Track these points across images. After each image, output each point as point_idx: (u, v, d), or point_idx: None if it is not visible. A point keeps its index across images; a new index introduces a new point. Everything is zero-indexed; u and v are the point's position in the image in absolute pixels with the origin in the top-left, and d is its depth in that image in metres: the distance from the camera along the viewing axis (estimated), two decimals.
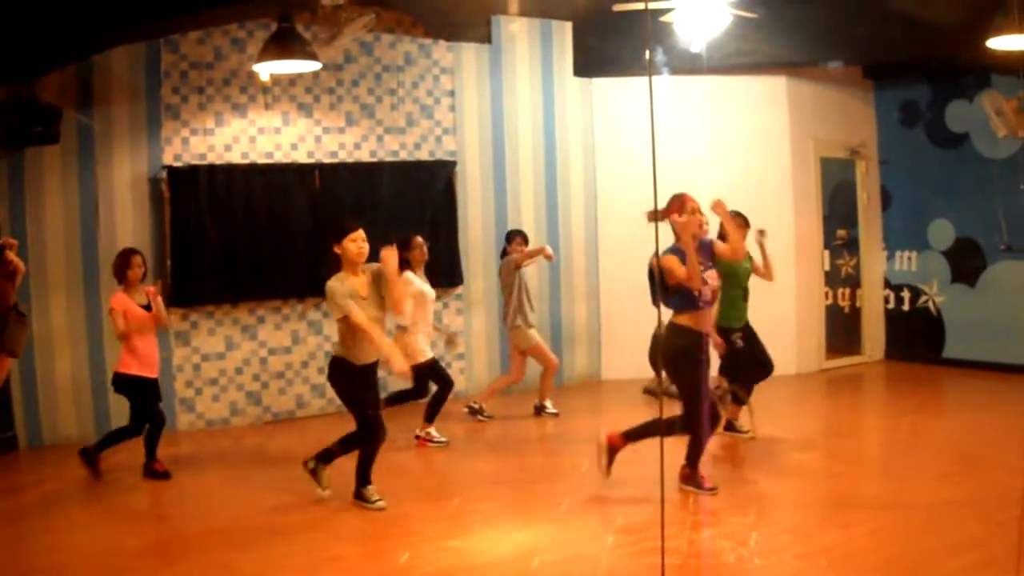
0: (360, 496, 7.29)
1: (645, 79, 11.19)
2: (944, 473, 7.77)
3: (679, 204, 7.14)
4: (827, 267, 13.23)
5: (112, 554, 6.48)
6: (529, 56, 12.13)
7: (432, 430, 9.33)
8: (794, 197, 12.45)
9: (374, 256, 7.13)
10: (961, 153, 12.39)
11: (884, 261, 13.49)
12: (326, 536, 6.68)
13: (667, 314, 7.35)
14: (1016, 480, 6.53)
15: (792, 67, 12.31)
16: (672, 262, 7.09)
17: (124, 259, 8.32)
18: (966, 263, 12.43)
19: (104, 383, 9.22)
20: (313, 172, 10.79)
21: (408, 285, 8.84)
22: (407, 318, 8.95)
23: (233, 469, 8.77)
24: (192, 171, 10.23)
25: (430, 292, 9.32)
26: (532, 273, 10.79)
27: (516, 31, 12.04)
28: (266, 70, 9.49)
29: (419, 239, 9.22)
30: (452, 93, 11.68)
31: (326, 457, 7.45)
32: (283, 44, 8.43)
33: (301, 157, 10.81)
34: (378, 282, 7.16)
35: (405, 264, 8.94)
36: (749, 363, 8.86)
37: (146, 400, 8.29)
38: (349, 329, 7.10)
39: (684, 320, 7.24)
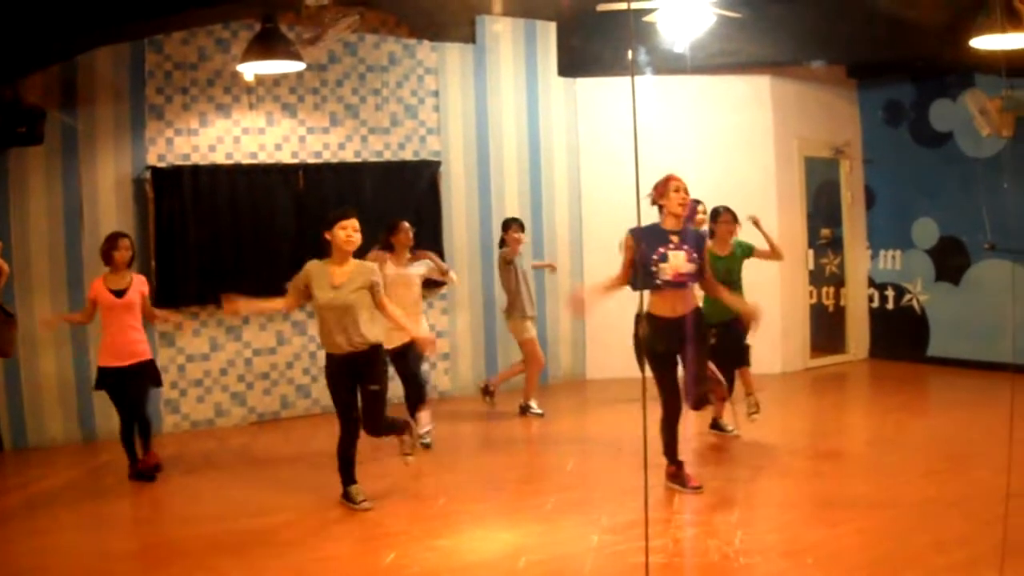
0: (346, 496, 7.29)
1: (629, 79, 11.20)
2: (929, 471, 7.79)
3: (663, 185, 7.17)
4: (811, 266, 13.24)
5: (98, 557, 6.47)
6: (513, 56, 12.13)
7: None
8: (778, 196, 12.46)
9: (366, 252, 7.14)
10: (945, 152, 12.43)
11: (868, 260, 13.53)
12: (312, 536, 6.67)
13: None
14: (1001, 478, 6.57)
15: (776, 67, 12.33)
16: (627, 239, 7.15)
17: (111, 241, 8.24)
18: (950, 262, 12.48)
19: (89, 384, 9.19)
20: (297, 172, 10.77)
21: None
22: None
23: (219, 470, 8.74)
24: (176, 171, 10.20)
25: (415, 272, 9.22)
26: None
27: (500, 31, 12.04)
28: (250, 70, 9.47)
29: (406, 224, 9.09)
30: (436, 93, 11.68)
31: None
32: (267, 44, 8.41)
33: (285, 157, 10.79)
34: (374, 282, 7.15)
35: (390, 247, 8.94)
36: (725, 359, 8.78)
37: (118, 392, 8.20)
38: (317, 317, 7.22)
39: (650, 306, 7.23)
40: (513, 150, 12.16)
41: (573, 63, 12.38)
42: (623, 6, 9.10)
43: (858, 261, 13.51)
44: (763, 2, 10.61)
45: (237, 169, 10.51)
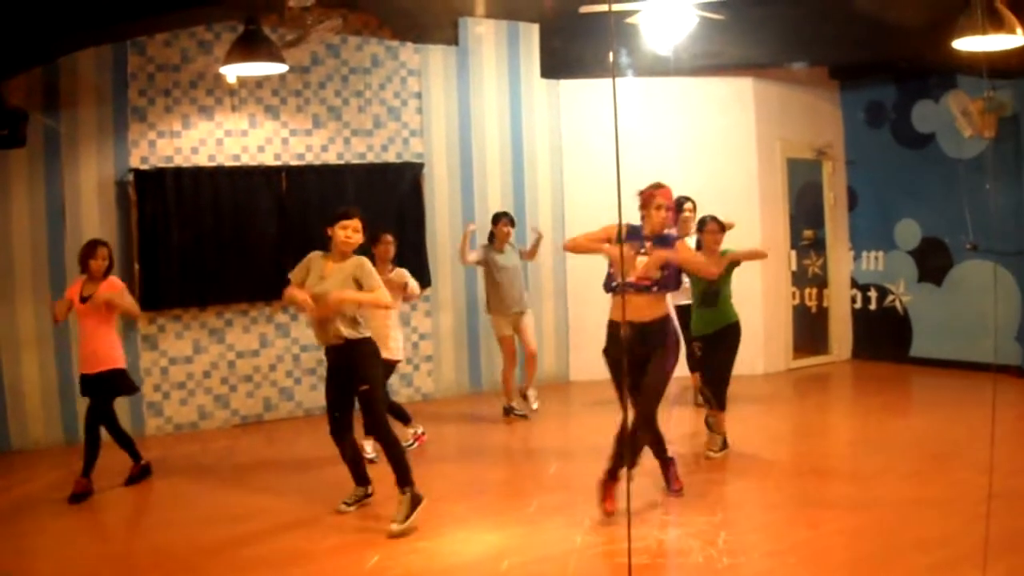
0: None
1: (611, 81, 11.21)
2: (912, 471, 7.82)
3: (648, 198, 6.98)
4: (794, 267, 13.28)
5: (82, 560, 6.45)
6: (496, 58, 12.14)
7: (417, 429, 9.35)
8: (761, 198, 12.50)
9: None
10: (927, 153, 12.48)
11: (851, 261, 13.58)
12: (295, 539, 6.66)
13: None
14: (983, 477, 6.60)
15: (758, 68, 12.36)
16: (614, 226, 6.85)
17: (89, 249, 8.09)
18: (932, 262, 12.52)
19: (71, 386, 9.17)
20: (280, 174, 10.75)
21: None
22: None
23: (202, 473, 8.71)
24: (159, 174, 10.18)
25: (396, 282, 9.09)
26: None
27: (483, 33, 12.04)
28: (233, 72, 9.43)
29: (388, 236, 9.07)
30: (419, 95, 11.67)
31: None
32: (250, 46, 8.37)
33: (268, 159, 10.77)
34: (359, 275, 7.10)
35: (371, 258, 8.91)
36: (710, 373, 8.70)
37: (91, 398, 8.10)
38: None
39: (610, 311, 7.07)
40: (496, 152, 12.16)
41: (556, 65, 12.39)
42: (605, 8, 9.11)
43: (841, 262, 13.55)
44: (745, 4, 10.61)
45: (220, 171, 10.48)
